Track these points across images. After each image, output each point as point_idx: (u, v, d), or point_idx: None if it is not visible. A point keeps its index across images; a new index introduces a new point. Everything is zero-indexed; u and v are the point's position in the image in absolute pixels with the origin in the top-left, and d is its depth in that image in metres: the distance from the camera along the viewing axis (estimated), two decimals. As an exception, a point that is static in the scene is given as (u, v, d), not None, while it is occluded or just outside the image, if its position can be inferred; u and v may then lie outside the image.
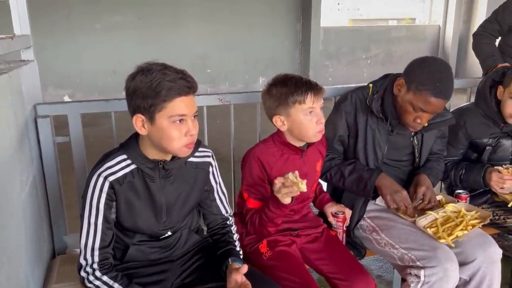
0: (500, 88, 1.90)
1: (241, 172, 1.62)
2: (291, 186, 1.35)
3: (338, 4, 10.18)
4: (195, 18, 6.69)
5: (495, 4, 2.66)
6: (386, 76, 1.77)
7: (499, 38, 2.61)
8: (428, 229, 1.60)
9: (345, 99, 1.79)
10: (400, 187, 1.70)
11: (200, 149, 1.40)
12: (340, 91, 2.01)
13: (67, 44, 6.16)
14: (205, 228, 1.58)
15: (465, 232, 1.59)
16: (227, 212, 1.54)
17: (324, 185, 1.93)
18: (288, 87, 1.49)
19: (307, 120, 1.50)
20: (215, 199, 1.50)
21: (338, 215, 1.72)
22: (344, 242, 1.75)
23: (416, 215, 1.70)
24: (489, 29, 2.55)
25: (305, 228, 1.68)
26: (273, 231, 1.57)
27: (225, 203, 1.53)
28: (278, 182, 1.38)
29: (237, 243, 1.50)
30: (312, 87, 1.49)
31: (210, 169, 1.44)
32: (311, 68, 7.15)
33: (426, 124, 1.71)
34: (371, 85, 1.76)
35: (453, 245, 1.56)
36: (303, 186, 1.34)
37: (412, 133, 1.79)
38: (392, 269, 2.15)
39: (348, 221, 1.75)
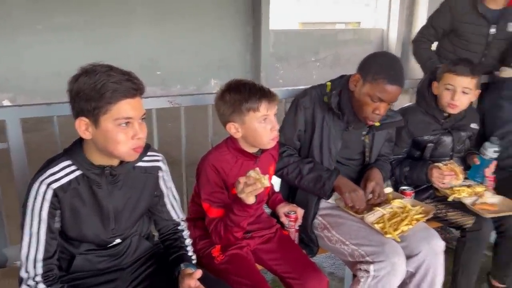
0: (435, 84, 2.03)
1: (197, 182, 1.59)
2: (255, 183, 1.35)
3: (288, 7, 10.34)
4: (144, 18, 6.54)
5: (434, 8, 2.79)
6: (342, 76, 1.84)
7: (436, 42, 2.75)
8: (375, 225, 1.66)
9: (305, 94, 1.82)
10: (357, 186, 1.75)
11: (149, 153, 1.37)
12: (290, 93, 2.04)
13: (6, 45, 5.82)
14: (156, 234, 1.54)
15: (410, 226, 1.66)
16: (178, 217, 1.51)
17: (276, 184, 1.95)
18: (242, 94, 1.48)
19: (261, 127, 1.50)
20: (165, 204, 1.47)
21: (290, 214, 1.74)
22: (296, 241, 1.77)
23: (365, 211, 1.76)
24: (426, 34, 2.69)
25: (258, 229, 1.69)
26: (240, 235, 1.56)
27: (176, 208, 1.50)
28: (241, 181, 1.37)
29: (189, 248, 1.48)
30: (266, 95, 1.49)
31: (160, 173, 1.41)
32: (262, 70, 7.21)
33: (378, 124, 1.80)
34: (329, 83, 1.81)
35: (399, 239, 1.62)
36: (266, 181, 1.35)
37: (364, 133, 1.86)
38: (344, 265, 2.21)
39: (300, 220, 1.77)
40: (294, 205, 1.79)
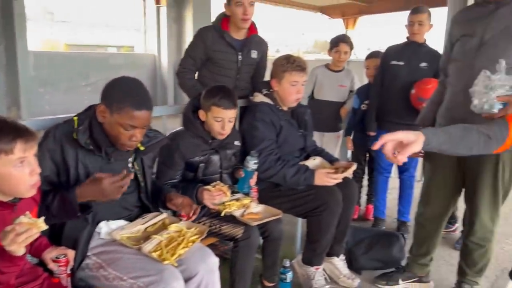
0: (202, 112, 2.20)
1: None
2: (29, 229, 1.17)
3: (51, 27, 9.55)
4: None
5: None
6: (90, 107, 1.75)
7: (197, 72, 2.94)
8: (153, 254, 1.64)
9: (47, 136, 1.66)
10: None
11: None
12: (55, 122, 1.82)
13: None
14: None
15: (187, 249, 1.70)
16: None
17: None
18: None
19: (18, 172, 1.30)
20: None
21: (60, 259, 1.56)
22: (70, 287, 1.59)
23: (141, 240, 1.72)
24: (186, 65, 2.86)
25: (21, 284, 1.46)
26: None
27: None
28: (11, 230, 1.16)
29: None
30: (21, 133, 1.30)
31: None
32: (22, 95, 6.39)
33: (143, 148, 1.80)
34: (75, 118, 1.70)
35: (176, 264, 1.64)
36: (42, 224, 1.21)
37: (131, 160, 1.82)
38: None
39: (72, 263, 1.61)
40: (63, 247, 1.62)
